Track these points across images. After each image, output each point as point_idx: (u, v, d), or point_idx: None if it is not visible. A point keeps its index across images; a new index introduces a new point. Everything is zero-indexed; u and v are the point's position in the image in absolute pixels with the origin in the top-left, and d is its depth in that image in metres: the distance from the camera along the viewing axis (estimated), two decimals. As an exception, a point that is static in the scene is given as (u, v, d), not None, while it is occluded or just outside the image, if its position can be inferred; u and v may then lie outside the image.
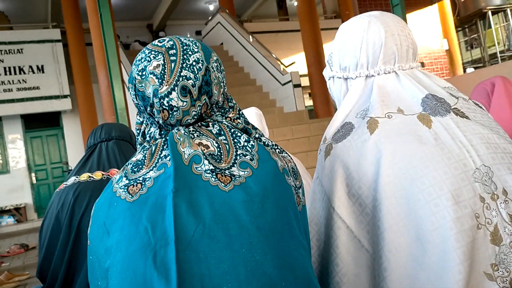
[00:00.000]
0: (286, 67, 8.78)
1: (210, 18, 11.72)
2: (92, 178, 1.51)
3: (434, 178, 0.79)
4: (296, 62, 9.24)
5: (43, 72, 10.70)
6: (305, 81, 8.82)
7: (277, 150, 0.81)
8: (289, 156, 0.83)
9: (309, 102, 10.37)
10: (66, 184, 1.53)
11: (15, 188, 10.95)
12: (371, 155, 0.83)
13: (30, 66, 10.62)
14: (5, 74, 10.43)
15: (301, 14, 8.65)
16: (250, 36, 9.61)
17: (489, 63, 13.19)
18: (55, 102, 10.75)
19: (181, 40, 0.79)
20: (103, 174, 1.53)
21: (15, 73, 10.50)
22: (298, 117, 7.82)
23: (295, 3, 9.95)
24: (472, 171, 0.81)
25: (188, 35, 17.42)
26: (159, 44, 0.78)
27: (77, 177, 1.53)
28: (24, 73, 10.57)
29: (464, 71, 12.49)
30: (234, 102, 0.85)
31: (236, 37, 10.15)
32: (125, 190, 0.72)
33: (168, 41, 0.78)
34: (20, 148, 11.19)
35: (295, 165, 0.81)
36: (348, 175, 0.85)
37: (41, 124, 11.30)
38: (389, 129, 0.85)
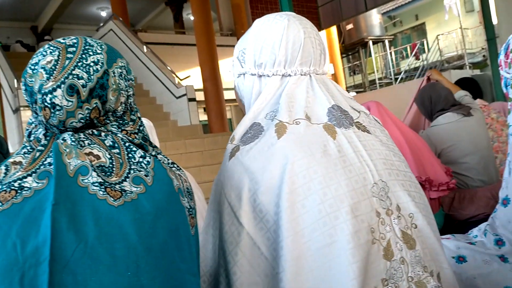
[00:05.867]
0: (181, 80, 8.72)
1: (102, 24, 11.23)
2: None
3: (336, 190, 0.78)
4: (192, 76, 9.21)
5: None
6: (200, 96, 8.82)
7: (174, 168, 0.78)
8: (185, 175, 0.80)
9: (203, 117, 10.38)
10: None
11: None
12: (277, 160, 0.80)
13: None
14: None
15: (197, 29, 8.67)
16: (144, 46, 9.39)
17: (369, 89, 14.39)
18: None
19: (86, 40, 0.75)
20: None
21: None
22: (192, 131, 7.77)
23: (192, 17, 9.96)
24: (371, 185, 0.82)
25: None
26: (61, 41, 0.73)
27: None
28: None
29: (348, 94, 13.42)
30: (138, 116, 0.80)
31: (129, 46, 9.84)
32: None
33: (72, 39, 0.74)
34: None
35: (190, 185, 0.78)
36: (252, 179, 0.81)
37: None
38: (296, 135, 0.83)
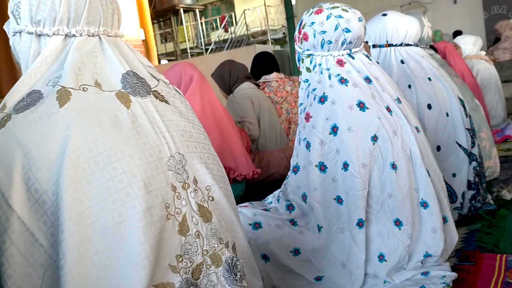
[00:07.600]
0: (-40, 33, 7.39)
1: None
2: None
3: (128, 164, 0.73)
4: (-25, 29, 7.89)
5: None
6: (-14, 53, 7.64)
7: None
8: None
9: (-9, 78, 9.06)
10: None
11: None
12: (57, 132, 0.71)
13: None
14: None
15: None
16: None
17: (181, 57, 14.42)
18: None
19: None
20: None
21: None
22: (-24, 95, 6.74)
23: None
24: (167, 158, 0.79)
25: None
26: None
27: None
28: None
29: (159, 62, 13.25)
30: None
31: None
32: None
33: None
34: None
35: None
36: (26, 153, 0.70)
37: None
38: (83, 104, 0.74)
